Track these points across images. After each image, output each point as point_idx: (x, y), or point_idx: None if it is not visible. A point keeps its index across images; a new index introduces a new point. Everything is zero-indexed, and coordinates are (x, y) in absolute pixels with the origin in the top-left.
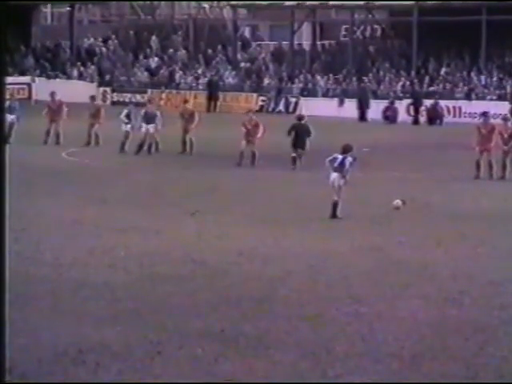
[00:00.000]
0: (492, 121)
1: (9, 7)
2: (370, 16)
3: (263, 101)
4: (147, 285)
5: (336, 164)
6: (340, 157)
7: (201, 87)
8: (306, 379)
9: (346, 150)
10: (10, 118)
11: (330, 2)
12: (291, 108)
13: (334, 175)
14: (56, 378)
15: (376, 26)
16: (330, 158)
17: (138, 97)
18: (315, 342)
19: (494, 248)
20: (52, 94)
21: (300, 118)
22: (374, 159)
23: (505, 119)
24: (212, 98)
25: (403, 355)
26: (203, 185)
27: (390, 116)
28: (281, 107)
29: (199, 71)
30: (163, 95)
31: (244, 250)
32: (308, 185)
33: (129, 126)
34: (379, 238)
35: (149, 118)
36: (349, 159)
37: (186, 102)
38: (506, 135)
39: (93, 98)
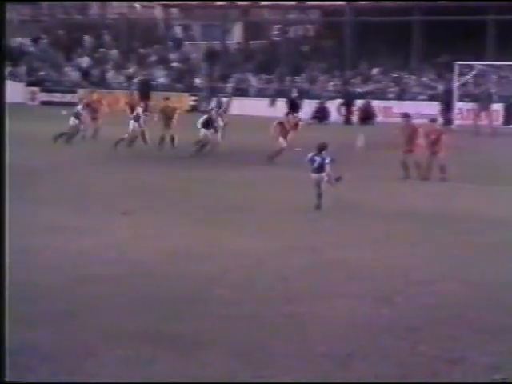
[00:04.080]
0: (419, 121)
1: None
2: (303, 16)
3: (195, 100)
4: (81, 285)
5: (315, 165)
6: (318, 158)
7: (133, 87)
8: (239, 379)
9: (321, 148)
10: None
11: (262, 2)
12: (223, 108)
13: (316, 176)
14: None
15: (309, 26)
16: (309, 157)
17: (69, 96)
18: (250, 341)
19: (426, 247)
20: None
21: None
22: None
23: (432, 120)
24: (144, 97)
25: (336, 355)
26: (135, 184)
27: (319, 116)
28: (213, 107)
29: (131, 71)
30: (94, 95)
31: (179, 249)
32: (242, 184)
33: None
34: (313, 237)
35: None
36: (327, 161)
37: (167, 98)
38: (433, 136)
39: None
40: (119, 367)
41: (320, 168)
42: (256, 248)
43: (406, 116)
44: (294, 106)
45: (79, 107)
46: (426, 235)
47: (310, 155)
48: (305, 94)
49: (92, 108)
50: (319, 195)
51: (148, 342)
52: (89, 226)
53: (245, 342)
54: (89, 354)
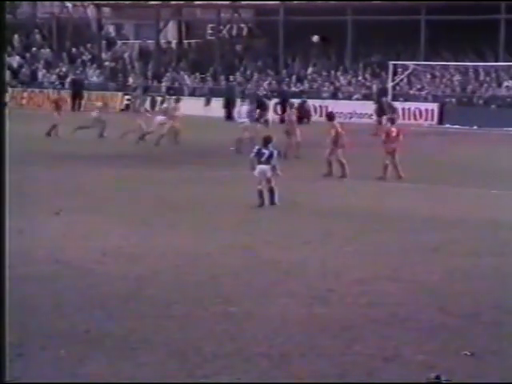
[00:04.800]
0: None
1: None
2: (236, 15)
3: (129, 100)
4: (10, 285)
5: (264, 158)
6: (266, 151)
7: (65, 86)
8: (173, 379)
9: (267, 141)
10: None
11: (196, 2)
12: (157, 107)
13: (264, 167)
14: None
15: (242, 25)
16: (255, 151)
17: None
18: (183, 341)
19: (360, 246)
20: None
21: None
22: (242, 158)
23: (391, 120)
24: (76, 96)
25: (272, 354)
26: (69, 184)
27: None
28: (147, 106)
29: (63, 70)
30: (25, 94)
31: (109, 250)
32: (175, 184)
33: None
34: (248, 237)
35: None
36: (275, 152)
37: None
38: (394, 135)
39: None
40: (49, 367)
41: (268, 160)
42: (189, 248)
43: (330, 116)
44: (261, 106)
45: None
46: (362, 234)
47: (256, 149)
48: (240, 94)
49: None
50: (261, 193)
51: (77, 342)
52: (21, 226)
53: (178, 342)
54: (17, 355)
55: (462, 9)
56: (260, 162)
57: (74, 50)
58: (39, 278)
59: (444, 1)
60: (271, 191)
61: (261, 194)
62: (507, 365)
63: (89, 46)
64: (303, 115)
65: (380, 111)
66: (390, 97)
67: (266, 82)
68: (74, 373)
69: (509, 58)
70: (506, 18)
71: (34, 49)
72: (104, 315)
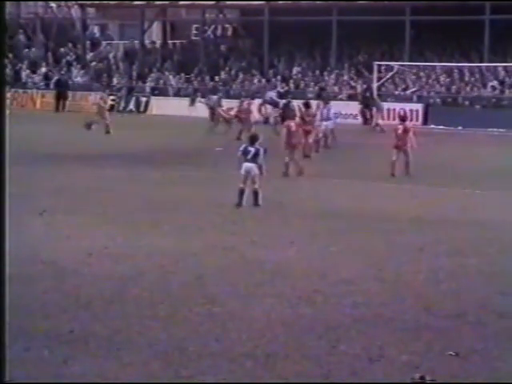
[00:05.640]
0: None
1: None
2: (221, 15)
3: (113, 100)
4: None
5: (250, 156)
6: (252, 149)
7: (49, 86)
8: (158, 380)
9: (254, 139)
10: None
11: (181, 2)
12: (142, 107)
13: (249, 165)
14: None
15: (227, 26)
16: (241, 149)
17: None
18: (167, 342)
19: (346, 246)
20: None
21: None
22: (227, 159)
23: (402, 119)
24: (61, 97)
25: (257, 354)
26: (52, 184)
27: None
28: (131, 106)
29: (48, 70)
30: (9, 95)
31: (94, 250)
32: (161, 184)
33: None
34: (233, 237)
35: None
36: (261, 150)
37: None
38: (399, 132)
39: None
40: (33, 368)
41: (254, 157)
42: (174, 248)
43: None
44: (275, 105)
45: None
46: (347, 235)
47: (242, 147)
48: (225, 94)
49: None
50: (255, 192)
51: (61, 343)
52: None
53: (163, 343)
54: None
55: (447, 9)
56: (246, 160)
57: (58, 50)
58: (24, 278)
59: (429, 1)
60: (255, 193)
61: (241, 192)
62: (492, 365)
63: (73, 46)
64: (288, 115)
65: (364, 106)
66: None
67: (251, 83)
68: (57, 373)
69: (493, 58)
70: (490, 18)
71: (17, 49)
72: (88, 316)
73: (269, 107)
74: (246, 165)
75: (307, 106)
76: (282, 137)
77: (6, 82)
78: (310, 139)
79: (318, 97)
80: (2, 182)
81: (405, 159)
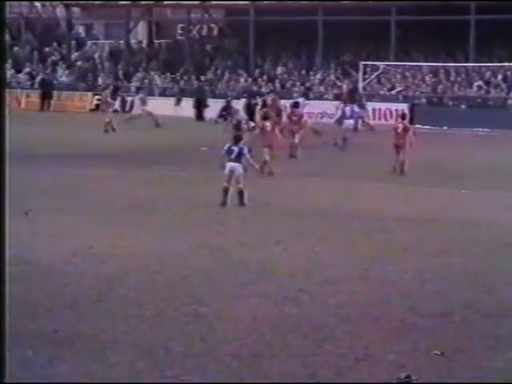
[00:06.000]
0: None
1: None
2: (207, 15)
3: (98, 100)
4: None
5: (234, 155)
6: (236, 148)
7: (34, 86)
8: (143, 379)
9: (238, 139)
10: None
11: (166, 2)
12: (127, 107)
13: (234, 165)
14: None
15: (213, 25)
16: (225, 148)
17: None
18: (153, 341)
19: (331, 246)
20: None
21: None
22: (212, 158)
23: (402, 117)
24: (46, 96)
25: (243, 354)
26: (38, 184)
27: (225, 115)
28: (117, 106)
29: (31, 69)
30: None
31: (79, 250)
32: (146, 183)
33: None
34: (218, 237)
35: None
36: (246, 150)
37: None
38: (399, 130)
39: None
40: (17, 368)
41: (238, 157)
42: (159, 247)
43: (295, 105)
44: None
45: None
46: (333, 234)
47: (226, 146)
48: (211, 93)
49: None
50: (240, 192)
51: (46, 343)
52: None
53: (148, 343)
54: None
55: (433, 9)
56: (230, 160)
57: (43, 49)
58: (8, 278)
59: (414, 1)
60: (240, 193)
61: (226, 191)
62: (477, 364)
63: (58, 45)
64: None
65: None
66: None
67: (237, 82)
68: (42, 374)
69: (479, 58)
70: (475, 18)
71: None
72: (74, 315)
73: None
74: (230, 164)
75: (295, 105)
76: (258, 137)
77: (6, 82)
78: (297, 139)
79: (337, 97)
80: (2, 182)
81: (401, 158)
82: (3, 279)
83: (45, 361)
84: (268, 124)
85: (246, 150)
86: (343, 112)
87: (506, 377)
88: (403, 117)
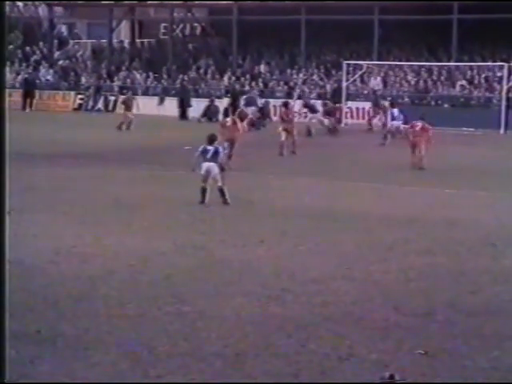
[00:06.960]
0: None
1: None
2: (190, 14)
3: (81, 99)
4: None
5: (209, 155)
6: (211, 148)
7: (16, 85)
8: (126, 379)
9: (212, 140)
10: None
11: (149, 1)
12: (110, 106)
13: (210, 164)
14: None
15: (196, 25)
16: (200, 149)
17: None
18: (136, 341)
19: (315, 245)
20: None
21: None
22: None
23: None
24: (28, 95)
25: (226, 354)
26: (20, 183)
27: (209, 114)
28: (100, 105)
29: (15, 69)
30: None
31: (62, 249)
32: (129, 183)
33: None
34: (202, 236)
35: None
36: (221, 150)
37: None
38: (417, 129)
39: None
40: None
41: (214, 157)
42: (142, 247)
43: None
44: (309, 108)
45: None
46: (316, 233)
47: (201, 147)
48: (194, 92)
49: None
50: (221, 191)
51: (28, 343)
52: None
53: (131, 342)
54: None
55: (415, 9)
56: (206, 160)
57: (25, 48)
58: None
59: (397, 1)
60: (221, 191)
61: (203, 191)
62: (460, 363)
63: (41, 45)
64: (265, 116)
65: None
66: (344, 96)
67: (220, 82)
68: (24, 373)
69: (461, 57)
70: (458, 17)
71: None
72: (56, 315)
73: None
74: (206, 164)
75: (286, 105)
76: (218, 132)
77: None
78: (295, 137)
79: (373, 103)
80: (2, 182)
81: (418, 155)
82: (3, 279)
83: (27, 361)
84: (228, 119)
85: (221, 149)
86: (390, 114)
87: (490, 376)
88: (422, 117)
